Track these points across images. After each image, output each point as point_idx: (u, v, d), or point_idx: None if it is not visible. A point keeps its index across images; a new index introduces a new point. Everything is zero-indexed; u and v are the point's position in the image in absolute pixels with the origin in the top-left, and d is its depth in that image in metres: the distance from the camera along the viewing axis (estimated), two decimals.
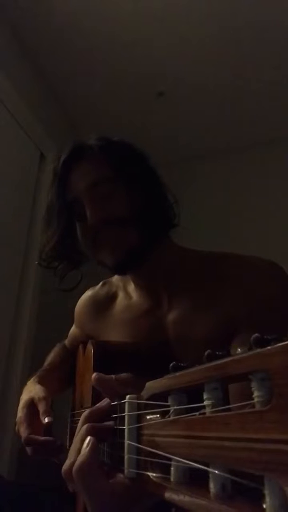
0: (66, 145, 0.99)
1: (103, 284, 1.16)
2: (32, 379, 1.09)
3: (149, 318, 0.97)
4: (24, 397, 1.01)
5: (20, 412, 0.97)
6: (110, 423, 0.47)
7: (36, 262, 1.05)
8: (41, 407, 0.93)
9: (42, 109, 2.72)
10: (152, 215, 0.94)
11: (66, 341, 1.29)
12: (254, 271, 0.90)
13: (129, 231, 0.90)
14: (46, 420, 0.89)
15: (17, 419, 0.97)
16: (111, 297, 1.10)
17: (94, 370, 0.80)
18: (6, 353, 2.29)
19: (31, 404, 0.96)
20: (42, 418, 0.90)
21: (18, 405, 2.19)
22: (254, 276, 0.89)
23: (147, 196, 0.94)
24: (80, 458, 0.44)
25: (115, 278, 1.14)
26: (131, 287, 1.06)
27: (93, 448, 0.45)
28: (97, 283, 1.18)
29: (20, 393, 2.15)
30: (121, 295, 1.08)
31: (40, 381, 1.06)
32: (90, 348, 0.88)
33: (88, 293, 1.18)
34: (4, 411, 2.18)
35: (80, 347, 1.10)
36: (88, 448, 0.45)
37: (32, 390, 1.01)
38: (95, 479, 0.43)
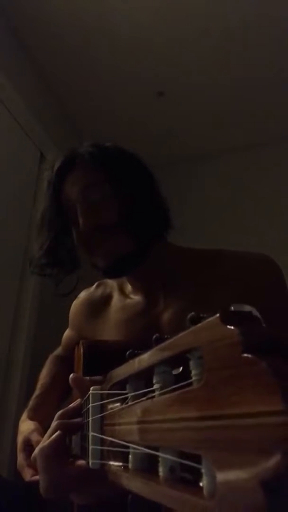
0: (59, 156, 1.01)
1: (98, 285, 1.16)
2: (24, 414, 1.09)
3: (144, 317, 0.98)
4: (19, 439, 1.01)
5: (19, 457, 0.97)
6: (79, 419, 0.51)
7: (32, 271, 1.04)
8: (33, 439, 0.94)
9: (42, 109, 2.72)
10: (145, 219, 0.94)
11: (60, 348, 1.28)
12: (249, 268, 0.91)
13: (120, 238, 0.91)
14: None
15: (18, 463, 0.97)
16: (106, 298, 1.10)
17: (83, 370, 0.80)
18: (6, 353, 2.29)
19: (26, 446, 0.97)
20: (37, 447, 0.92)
21: (18, 405, 2.18)
22: (249, 273, 0.89)
23: (139, 201, 0.94)
24: (41, 445, 0.50)
25: (110, 279, 1.14)
26: (128, 287, 1.06)
27: (54, 439, 0.49)
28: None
29: (20, 393, 2.15)
30: (116, 296, 1.08)
31: (31, 415, 1.06)
32: (81, 348, 0.87)
33: (82, 295, 1.18)
34: (4, 411, 2.18)
35: (76, 348, 1.09)
36: (51, 438, 0.50)
37: (24, 430, 1.01)
38: (49, 463, 0.49)
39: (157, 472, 0.27)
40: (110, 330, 1.02)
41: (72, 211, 0.93)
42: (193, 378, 0.23)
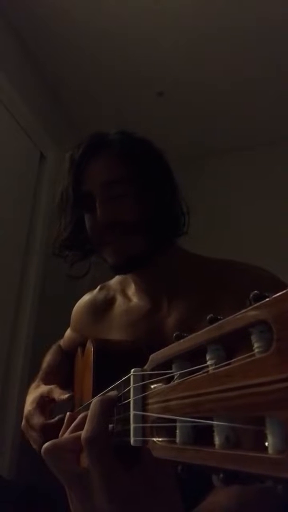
0: (86, 134, 0.98)
1: (101, 288, 1.16)
2: (35, 383, 1.11)
3: (148, 321, 0.98)
4: (32, 396, 1.02)
5: (30, 407, 0.98)
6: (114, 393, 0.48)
7: (50, 251, 1.04)
8: (56, 392, 0.96)
9: (42, 109, 2.74)
10: (162, 223, 0.93)
11: (62, 343, 1.28)
12: (258, 281, 0.89)
13: (135, 237, 0.91)
14: (67, 395, 0.92)
15: (26, 413, 0.98)
16: (109, 301, 1.10)
17: (94, 368, 0.80)
18: (6, 353, 2.30)
19: (41, 399, 0.98)
20: (61, 397, 0.94)
21: (18, 406, 2.19)
22: (257, 286, 0.87)
23: (160, 203, 0.93)
24: (90, 426, 0.43)
25: (113, 282, 1.14)
26: (131, 289, 1.06)
27: (105, 416, 0.44)
28: (105, 274, 1.15)
29: (20, 394, 2.17)
30: (119, 299, 1.08)
31: (45, 383, 1.07)
32: (90, 347, 0.87)
33: (86, 298, 1.18)
34: (4, 411, 2.19)
35: (79, 350, 1.10)
36: (98, 417, 0.44)
37: (39, 390, 1.03)
38: (108, 451, 0.42)
39: (210, 442, 0.29)
40: (113, 333, 1.02)
41: (90, 199, 0.92)
42: (256, 350, 0.25)
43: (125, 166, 0.92)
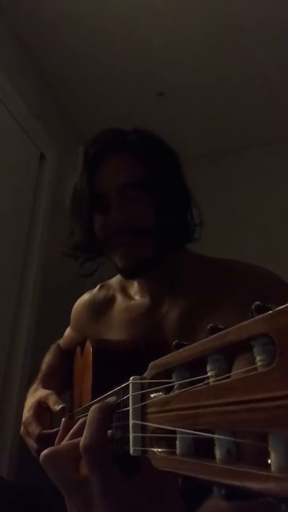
0: (102, 130, 0.95)
1: (101, 287, 1.16)
2: (34, 385, 1.10)
3: (147, 319, 0.97)
4: (30, 401, 1.02)
5: (27, 413, 0.98)
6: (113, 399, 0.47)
7: (60, 250, 1.02)
8: (51, 400, 0.95)
9: (42, 109, 2.73)
10: (174, 229, 0.93)
11: (61, 342, 1.28)
12: (261, 282, 0.88)
13: (147, 242, 0.90)
14: (60, 406, 0.90)
15: (24, 420, 0.98)
16: (109, 300, 1.10)
17: (93, 368, 0.80)
18: (6, 353, 2.30)
19: (38, 405, 0.97)
20: (54, 407, 0.92)
21: (18, 406, 2.19)
22: (260, 287, 0.86)
23: (174, 209, 0.93)
24: (89, 433, 0.43)
25: (113, 281, 1.14)
26: (132, 289, 1.06)
27: (103, 423, 0.44)
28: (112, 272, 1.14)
29: (20, 394, 2.16)
30: (119, 298, 1.08)
31: (44, 385, 1.07)
32: (89, 347, 0.86)
33: (86, 296, 1.18)
34: (4, 411, 2.19)
35: (78, 349, 1.09)
36: (97, 424, 0.43)
37: (37, 394, 1.02)
38: (107, 459, 0.42)
39: (210, 455, 0.29)
40: (113, 331, 1.02)
41: (104, 199, 0.91)
42: (258, 364, 0.24)
43: (143, 170, 0.91)
